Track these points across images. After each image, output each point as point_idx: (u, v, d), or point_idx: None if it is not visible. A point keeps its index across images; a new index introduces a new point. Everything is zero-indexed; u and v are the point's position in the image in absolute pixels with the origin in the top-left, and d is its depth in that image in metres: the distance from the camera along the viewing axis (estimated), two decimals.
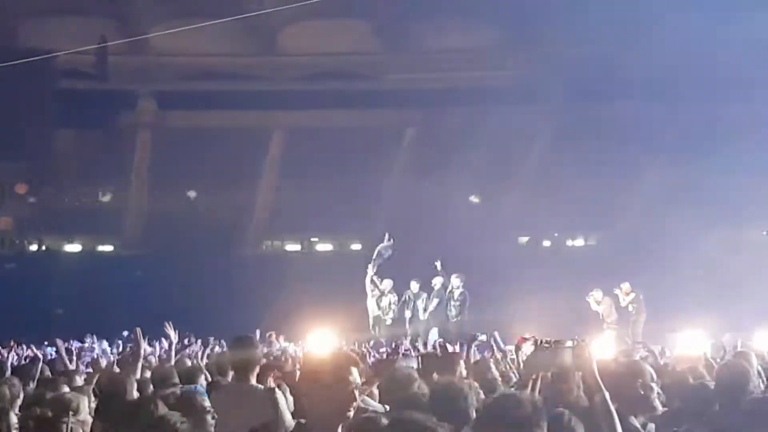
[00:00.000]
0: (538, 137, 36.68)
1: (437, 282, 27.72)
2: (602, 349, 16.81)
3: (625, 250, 32.64)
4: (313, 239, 39.76)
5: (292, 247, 39.96)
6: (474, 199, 37.90)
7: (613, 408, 5.78)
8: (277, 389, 8.50)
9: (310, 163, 35.74)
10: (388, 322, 27.51)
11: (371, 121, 37.40)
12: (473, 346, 13.95)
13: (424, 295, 27.86)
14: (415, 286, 27.91)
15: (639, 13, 33.59)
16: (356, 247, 39.22)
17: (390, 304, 27.88)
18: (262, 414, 7.79)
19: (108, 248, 39.36)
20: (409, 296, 27.89)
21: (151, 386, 10.00)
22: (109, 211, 38.88)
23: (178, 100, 37.31)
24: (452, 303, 27.25)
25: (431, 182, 34.88)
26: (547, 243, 39.84)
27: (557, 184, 35.07)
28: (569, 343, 6.40)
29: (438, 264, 27.83)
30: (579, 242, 40.27)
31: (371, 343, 19.96)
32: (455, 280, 27.27)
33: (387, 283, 28.02)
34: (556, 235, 39.69)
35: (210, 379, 10.57)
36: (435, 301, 27.59)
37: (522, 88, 36.06)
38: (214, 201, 37.68)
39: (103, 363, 14.19)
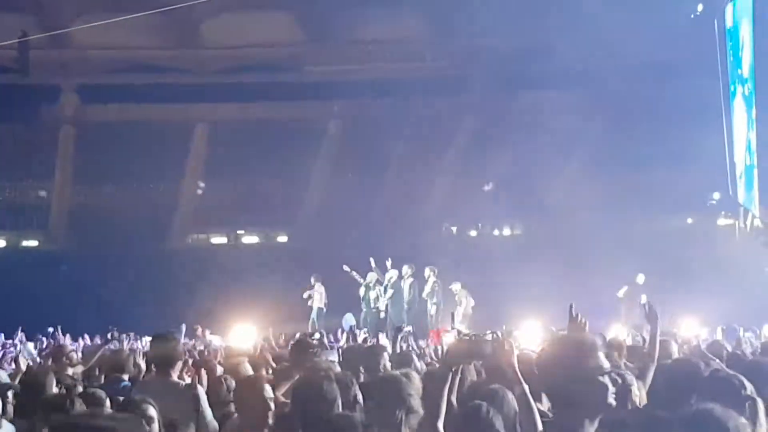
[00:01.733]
0: (461, 128, 36.86)
1: (372, 278, 27.94)
2: (528, 339, 17.08)
3: (549, 238, 32.96)
4: (239, 232, 39.63)
5: (219, 240, 39.81)
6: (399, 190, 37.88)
7: (532, 402, 5.83)
8: (198, 385, 8.54)
9: (234, 156, 35.62)
10: (382, 315, 27.62)
11: (295, 113, 37.32)
12: (399, 337, 14.00)
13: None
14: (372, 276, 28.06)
15: (561, 2, 33.81)
16: (282, 239, 39.22)
17: (377, 296, 28.00)
18: (183, 409, 7.81)
19: (33, 243, 38.94)
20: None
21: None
22: (33, 206, 38.50)
23: (101, 94, 36.95)
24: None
25: (356, 174, 34.98)
26: (473, 233, 40.02)
27: (481, 174, 35.32)
28: (489, 335, 6.44)
29: (372, 261, 28.04)
30: (506, 231, 40.50)
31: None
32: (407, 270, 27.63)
33: (371, 276, 28.11)
34: (480, 225, 39.88)
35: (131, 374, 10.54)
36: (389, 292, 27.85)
37: (446, 78, 36.25)
38: (139, 195, 37.40)
39: (24, 361, 14.02)
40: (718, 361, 9.94)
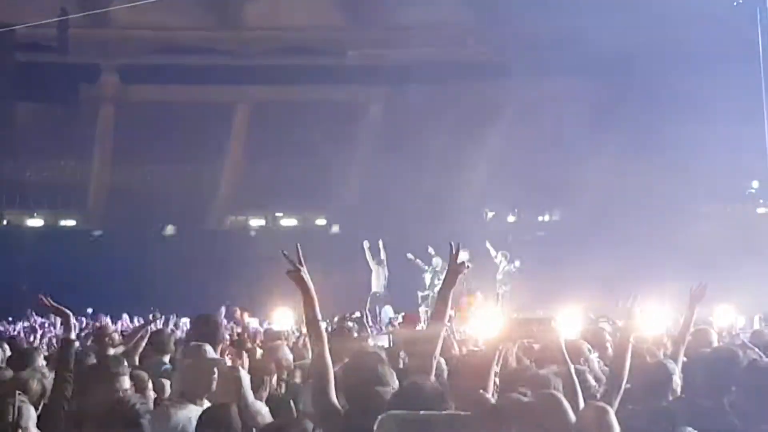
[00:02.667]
0: (501, 112, 36.72)
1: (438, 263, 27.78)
2: (567, 324, 16.91)
3: (588, 225, 32.80)
4: (277, 214, 39.65)
5: (257, 222, 39.83)
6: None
7: (577, 382, 5.82)
8: (240, 368, 8.50)
9: (274, 138, 35.65)
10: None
11: (335, 96, 37.28)
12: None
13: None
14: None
15: None
16: (321, 222, 39.25)
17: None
18: (224, 392, 7.77)
19: (71, 223, 39.10)
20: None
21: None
22: (72, 185, 38.62)
23: (141, 74, 37.05)
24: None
25: (397, 158, 34.91)
26: (512, 218, 39.95)
27: (521, 160, 35.19)
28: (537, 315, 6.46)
29: (431, 249, 27.97)
30: (545, 218, 40.41)
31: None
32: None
33: (437, 262, 28.00)
34: (516, 210, 39.81)
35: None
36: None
37: (487, 63, 36.16)
38: (177, 176, 37.46)
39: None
40: (757, 350, 9.85)
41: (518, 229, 37.28)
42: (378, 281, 28.47)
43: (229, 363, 9.08)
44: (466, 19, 37.37)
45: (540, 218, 40.24)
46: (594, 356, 8.86)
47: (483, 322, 14.92)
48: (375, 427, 1.32)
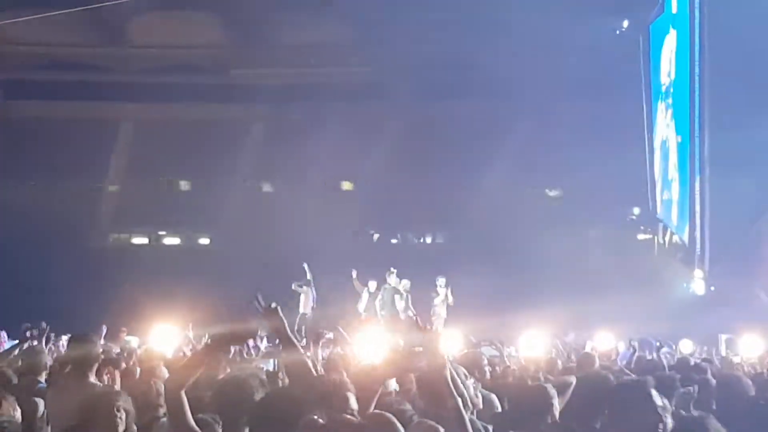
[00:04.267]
0: (384, 134, 36.93)
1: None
2: (448, 346, 17.05)
3: (471, 248, 33.07)
4: (160, 233, 39.38)
5: (140, 240, 39.50)
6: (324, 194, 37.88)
7: (465, 415, 5.81)
8: (115, 387, 8.46)
9: (158, 157, 35.41)
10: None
11: (219, 115, 37.15)
12: (320, 342, 14.00)
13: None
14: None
15: (487, 13, 33.97)
16: (204, 241, 39.05)
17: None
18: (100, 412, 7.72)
19: None
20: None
21: None
22: None
23: (25, 91, 36.53)
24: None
25: (279, 177, 34.92)
26: (394, 240, 40.14)
27: (405, 182, 35.41)
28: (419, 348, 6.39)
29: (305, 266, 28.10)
30: (427, 239, 40.65)
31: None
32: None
33: (372, 284, 28.04)
34: (400, 233, 40.03)
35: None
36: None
37: (370, 84, 36.35)
38: (60, 193, 36.99)
39: None
40: (633, 376, 9.98)
41: (402, 251, 37.50)
42: (307, 303, 28.45)
43: (106, 382, 9.04)
44: (350, 40, 37.46)
45: (422, 240, 40.47)
46: (470, 381, 8.87)
47: (368, 345, 14.98)
48: None
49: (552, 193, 34.03)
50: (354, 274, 28.34)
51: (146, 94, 36.19)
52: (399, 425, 4.31)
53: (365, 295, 27.91)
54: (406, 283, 27.83)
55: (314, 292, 28.72)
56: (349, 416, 5.98)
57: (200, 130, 35.78)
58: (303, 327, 26.83)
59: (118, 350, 14.52)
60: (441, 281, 28.26)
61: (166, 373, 10.26)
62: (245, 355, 14.83)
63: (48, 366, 10.52)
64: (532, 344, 18.15)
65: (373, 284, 27.88)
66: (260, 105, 37.17)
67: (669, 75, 32.81)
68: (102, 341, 14.93)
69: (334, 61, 37.34)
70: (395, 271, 28.02)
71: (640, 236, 38.69)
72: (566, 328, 24.61)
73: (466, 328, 26.80)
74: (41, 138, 34.68)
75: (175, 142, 35.28)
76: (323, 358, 12.21)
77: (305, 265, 28.54)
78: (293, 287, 28.22)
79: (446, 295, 28.08)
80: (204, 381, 8.81)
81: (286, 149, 35.36)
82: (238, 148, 37.07)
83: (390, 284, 27.94)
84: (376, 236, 39.73)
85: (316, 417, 5.71)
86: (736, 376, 8.52)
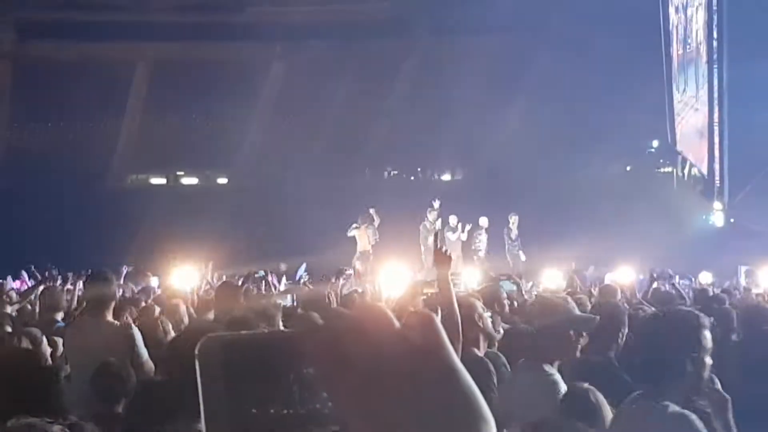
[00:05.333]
0: (404, 71, 36.79)
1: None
2: (469, 280, 17.10)
3: (491, 185, 33.04)
4: (178, 173, 39.41)
5: (158, 180, 39.55)
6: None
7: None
8: (133, 325, 8.49)
9: (175, 96, 35.34)
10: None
11: (237, 54, 36.97)
12: (340, 278, 14.13)
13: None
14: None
15: None
16: (222, 181, 39.06)
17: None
18: (117, 350, 7.76)
19: None
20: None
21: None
22: None
23: (39, 31, 36.36)
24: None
25: (297, 116, 34.85)
26: (413, 177, 40.11)
27: (424, 119, 35.31)
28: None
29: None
30: (446, 177, 40.57)
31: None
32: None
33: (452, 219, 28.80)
34: (419, 169, 40.00)
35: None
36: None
37: (386, 21, 36.11)
38: (77, 134, 37.02)
39: None
40: (652, 307, 10.00)
41: (419, 189, 37.46)
42: (364, 242, 28.81)
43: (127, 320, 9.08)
44: None
45: (441, 177, 40.42)
46: (487, 314, 8.96)
47: (390, 281, 15.10)
48: (196, 352, 1.29)
49: (571, 129, 33.79)
50: (372, 211, 28.54)
51: (163, 33, 35.98)
52: (392, 315, 4.31)
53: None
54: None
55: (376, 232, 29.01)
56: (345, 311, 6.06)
57: (217, 69, 35.65)
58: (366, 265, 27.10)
59: (138, 290, 14.63)
60: (452, 219, 28.53)
61: (184, 312, 10.35)
62: (263, 291, 14.91)
63: (65, 304, 10.58)
64: (553, 279, 18.25)
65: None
66: (278, 43, 36.99)
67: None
68: (122, 282, 15.04)
69: None
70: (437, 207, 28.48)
71: (661, 170, 38.58)
72: (587, 262, 24.72)
73: (488, 264, 27.02)
74: (57, 79, 34.61)
75: (193, 81, 35.18)
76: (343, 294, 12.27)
77: (372, 210, 28.80)
78: (348, 233, 28.52)
79: (459, 233, 28.41)
80: (220, 315, 8.87)
81: (304, 87, 35.23)
82: (256, 87, 36.96)
83: (429, 220, 28.40)
84: (393, 173, 39.72)
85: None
86: (755, 304, 8.49)
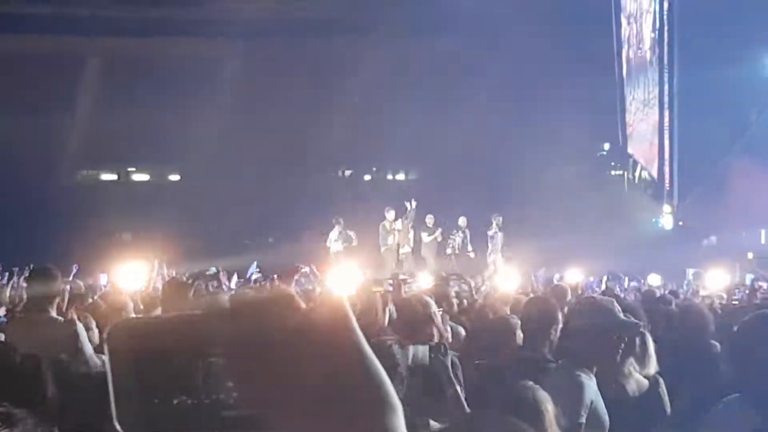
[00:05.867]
0: (360, 70, 36.78)
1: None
2: (421, 282, 17.18)
3: (444, 185, 33.11)
4: (130, 169, 39.22)
5: (108, 176, 39.33)
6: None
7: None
8: (77, 321, 8.43)
9: (127, 92, 35.09)
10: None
11: (191, 49, 36.82)
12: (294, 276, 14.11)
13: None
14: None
15: None
16: (174, 177, 38.90)
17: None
18: (61, 346, 7.71)
19: None
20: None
21: None
22: None
23: None
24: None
25: (251, 113, 34.75)
26: (367, 177, 40.13)
27: (379, 118, 35.35)
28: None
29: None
30: (400, 176, 40.64)
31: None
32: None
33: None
34: (374, 169, 40.04)
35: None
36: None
37: (343, 20, 36.11)
38: (27, 129, 36.67)
39: None
40: None
41: (373, 188, 37.50)
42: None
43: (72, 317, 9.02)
44: None
45: (396, 177, 40.48)
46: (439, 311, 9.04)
47: (340, 280, 15.12)
48: (105, 337, 1.28)
49: (524, 131, 33.96)
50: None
51: (115, 27, 35.77)
52: (299, 299, 4.32)
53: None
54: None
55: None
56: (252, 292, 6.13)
57: (171, 65, 35.45)
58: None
59: (83, 287, 14.53)
60: (429, 220, 28.72)
61: (131, 308, 10.31)
62: (214, 288, 14.87)
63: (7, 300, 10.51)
64: (507, 280, 18.34)
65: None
66: (234, 39, 36.86)
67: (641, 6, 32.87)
68: (72, 278, 14.96)
69: None
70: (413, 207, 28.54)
71: (612, 172, 38.85)
72: (539, 264, 24.85)
73: (442, 264, 27.11)
74: (7, 73, 34.29)
75: (145, 76, 34.95)
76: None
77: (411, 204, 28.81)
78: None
79: (436, 234, 28.69)
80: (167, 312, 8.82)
81: (259, 85, 35.16)
82: (211, 83, 36.79)
83: (388, 220, 28.43)
84: (348, 173, 39.72)
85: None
86: (697, 306, 8.59)
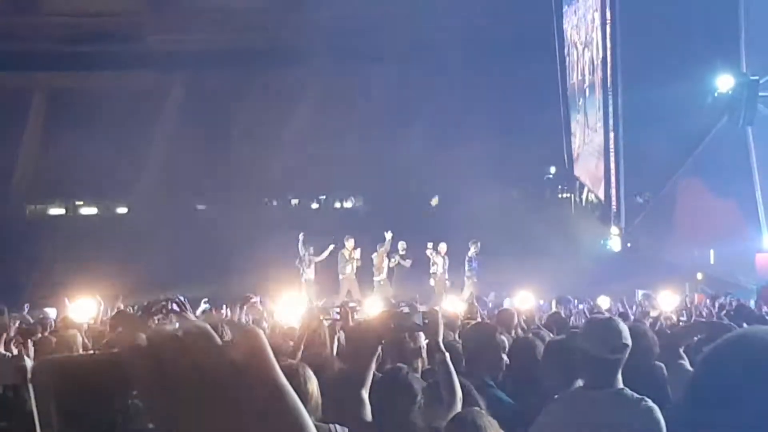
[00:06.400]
0: (303, 99, 36.80)
1: None
2: (372, 307, 17.19)
3: (391, 211, 33.14)
4: (77, 203, 39.00)
5: (56, 211, 39.11)
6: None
7: (453, 369, 6.03)
8: (25, 356, 8.37)
9: (73, 126, 34.91)
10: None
11: (136, 82, 36.75)
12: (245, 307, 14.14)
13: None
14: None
15: None
16: (122, 210, 38.72)
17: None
18: (6, 381, 7.63)
19: None
20: None
21: None
22: None
23: None
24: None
25: (197, 145, 34.66)
26: (315, 205, 40.10)
27: (325, 146, 35.35)
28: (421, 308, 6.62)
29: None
30: (347, 204, 40.63)
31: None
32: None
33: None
34: (322, 197, 40.03)
35: None
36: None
37: (285, 50, 36.12)
38: None
39: None
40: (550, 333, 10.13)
41: (321, 216, 37.47)
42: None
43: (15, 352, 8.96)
44: (265, 5, 37.23)
45: (344, 204, 40.48)
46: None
47: (286, 308, 15.13)
48: (28, 375, 1.27)
49: (469, 155, 34.07)
50: (301, 236, 28.51)
51: (59, 62, 35.63)
52: (216, 337, 4.36)
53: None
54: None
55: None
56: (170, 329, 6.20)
57: (116, 98, 35.34)
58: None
59: (33, 321, 14.44)
60: (401, 245, 28.78)
61: (80, 343, 10.25)
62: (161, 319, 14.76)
63: None
64: (455, 305, 18.37)
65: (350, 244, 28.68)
66: (177, 71, 36.82)
67: (582, 32, 33.13)
68: (22, 314, 14.85)
69: (251, 26, 37.15)
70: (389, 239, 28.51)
71: (559, 195, 39.03)
72: (488, 288, 24.92)
73: (391, 290, 27.08)
74: None
75: (91, 110, 34.81)
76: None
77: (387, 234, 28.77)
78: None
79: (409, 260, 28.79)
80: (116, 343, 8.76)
81: (203, 116, 35.15)
82: (155, 116, 36.70)
83: (347, 248, 28.42)
84: (294, 201, 39.69)
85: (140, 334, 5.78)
86: (641, 328, 8.63)
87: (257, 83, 35.56)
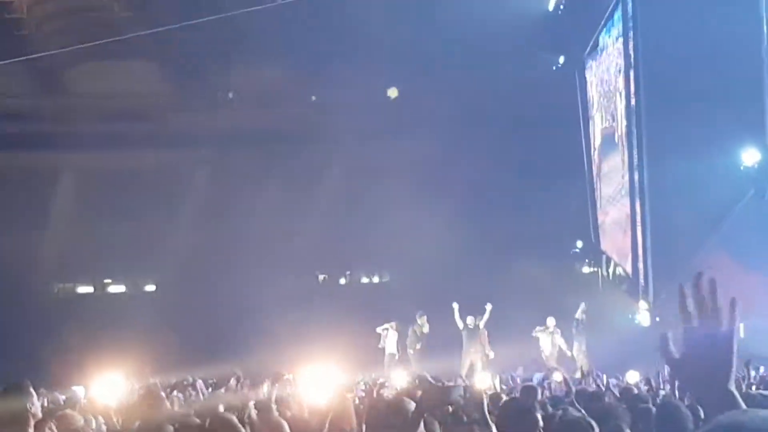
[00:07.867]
0: (329, 175, 36.99)
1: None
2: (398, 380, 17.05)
3: (418, 287, 33.09)
4: (105, 281, 39.17)
5: (85, 289, 39.27)
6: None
7: None
8: None
9: (101, 205, 35.21)
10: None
11: (160, 161, 37.02)
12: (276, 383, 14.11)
13: None
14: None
15: (421, 55, 34.29)
16: (150, 288, 38.85)
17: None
18: None
19: None
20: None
21: None
22: None
23: None
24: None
25: (223, 222, 34.82)
26: (342, 281, 40.17)
27: (350, 222, 35.43)
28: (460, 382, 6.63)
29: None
30: (375, 279, 40.68)
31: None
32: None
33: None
34: (348, 272, 40.07)
35: None
36: None
37: (310, 128, 36.31)
38: (2, 244, 36.59)
39: None
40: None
41: (348, 291, 37.52)
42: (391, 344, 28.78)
43: None
44: (286, 84, 37.47)
45: (367, 280, 40.54)
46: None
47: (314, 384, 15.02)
48: None
49: (496, 232, 34.06)
50: (456, 306, 28.54)
51: (86, 142, 35.86)
52: (239, 425, 4.38)
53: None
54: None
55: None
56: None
57: (142, 177, 35.66)
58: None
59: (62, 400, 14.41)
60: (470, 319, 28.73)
61: (78, 421, 10.17)
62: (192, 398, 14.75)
63: None
64: (482, 378, 18.25)
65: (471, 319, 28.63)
66: (202, 149, 37.06)
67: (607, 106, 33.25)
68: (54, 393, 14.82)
69: (272, 104, 37.47)
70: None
71: (585, 269, 38.91)
72: (517, 363, 24.84)
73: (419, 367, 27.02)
74: None
75: (117, 189, 35.11)
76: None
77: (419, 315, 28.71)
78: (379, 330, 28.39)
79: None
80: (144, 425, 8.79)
81: (229, 193, 35.35)
82: (181, 194, 36.95)
83: (419, 324, 28.46)
84: (321, 277, 39.73)
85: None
86: (674, 404, 8.59)
87: (282, 160, 35.75)
